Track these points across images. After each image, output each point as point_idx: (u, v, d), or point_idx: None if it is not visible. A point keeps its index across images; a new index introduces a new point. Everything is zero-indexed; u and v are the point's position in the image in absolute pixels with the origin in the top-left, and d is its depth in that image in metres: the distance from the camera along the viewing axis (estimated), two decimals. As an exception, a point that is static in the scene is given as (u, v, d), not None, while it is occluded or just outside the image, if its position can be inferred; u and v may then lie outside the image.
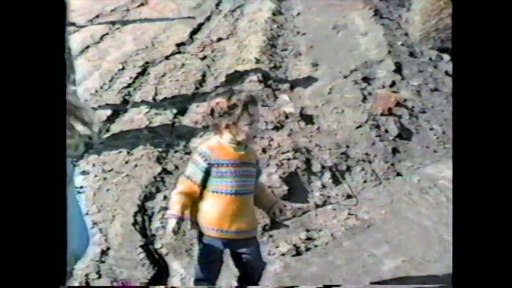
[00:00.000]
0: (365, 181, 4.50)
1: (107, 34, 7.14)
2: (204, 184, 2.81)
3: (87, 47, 6.64)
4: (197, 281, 2.96)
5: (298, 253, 3.72)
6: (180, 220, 2.78)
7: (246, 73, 5.86)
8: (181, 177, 2.95)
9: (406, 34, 7.08)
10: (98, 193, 3.96)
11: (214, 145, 2.85)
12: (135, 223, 3.70)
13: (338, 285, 3.33)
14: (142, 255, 3.41)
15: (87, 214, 3.78)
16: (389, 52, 6.43)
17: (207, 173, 2.80)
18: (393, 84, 5.81)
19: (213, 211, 2.81)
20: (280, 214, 3.07)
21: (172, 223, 2.78)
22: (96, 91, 5.59)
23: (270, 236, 3.87)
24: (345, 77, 5.90)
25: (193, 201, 2.83)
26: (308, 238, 3.86)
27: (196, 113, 5.15)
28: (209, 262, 2.89)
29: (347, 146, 4.78)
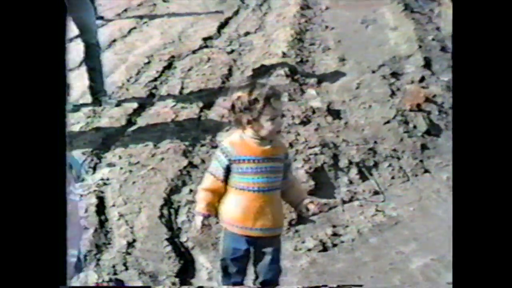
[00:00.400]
0: (392, 178, 4.43)
1: (134, 28, 7.15)
2: (226, 180, 2.75)
3: (114, 40, 6.66)
4: (224, 278, 2.92)
5: (325, 249, 3.69)
6: (207, 217, 2.77)
7: (273, 67, 5.82)
8: (206, 173, 2.90)
9: (438, 29, 6.95)
10: (124, 186, 3.97)
11: (236, 141, 2.75)
12: (161, 216, 3.70)
13: (360, 285, 3.27)
14: (168, 248, 3.41)
15: (113, 206, 3.79)
16: (420, 47, 6.32)
17: (228, 170, 2.73)
18: (422, 79, 5.70)
19: (237, 208, 2.75)
20: (307, 212, 2.92)
21: (198, 221, 2.76)
22: (123, 85, 5.61)
23: (296, 231, 3.84)
24: (373, 72, 5.81)
25: (219, 197, 2.78)
26: (335, 234, 3.82)
27: (222, 107, 5.12)
28: (235, 259, 2.83)
29: (375, 142, 4.71)
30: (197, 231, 2.85)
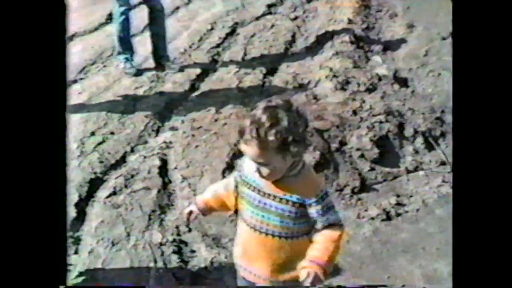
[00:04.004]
0: (461, 148, 4.26)
1: (197, -5, 7.13)
2: (237, 195, 2.20)
3: (178, 8, 6.66)
4: None
5: (388, 218, 3.60)
6: (198, 211, 2.30)
7: (337, 33, 5.69)
8: None
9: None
10: (187, 149, 3.99)
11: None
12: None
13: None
14: (230, 211, 3.40)
15: (175, 168, 3.82)
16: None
17: (236, 185, 2.20)
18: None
19: (238, 240, 2.26)
20: (305, 279, 2.03)
21: (188, 209, 2.32)
22: (185, 50, 5.62)
23: (359, 199, 3.77)
24: (443, 39, 5.58)
25: (221, 204, 2.29)
26: (398, 204, 3.72)
27: (286, 73, 5.06)
28: None
29: (442, 111, 4.54)
30: (183, 217, 2.37)
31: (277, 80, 4.97)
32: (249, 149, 1.93)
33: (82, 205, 3.48)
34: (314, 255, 2.04)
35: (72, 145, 4.07)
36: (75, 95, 4.84)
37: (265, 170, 1.98)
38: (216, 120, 4.31)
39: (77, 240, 3.17)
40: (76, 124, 4.35)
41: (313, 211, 2.05)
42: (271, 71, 5.13)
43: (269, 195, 2.06)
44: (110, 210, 3.43)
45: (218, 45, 5.69)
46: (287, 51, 5.52)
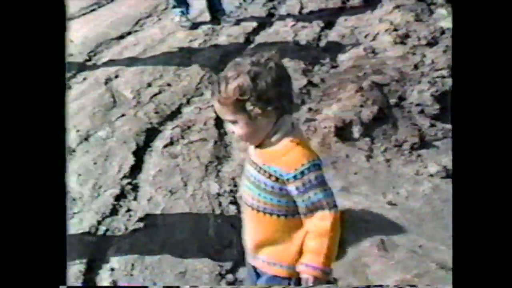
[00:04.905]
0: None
1: None
2: None
3: (233, -40, 6.55)
4: None
5: (448, 176, 3.49)
6: None
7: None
8: None
9: None
10: (244, 102, 3.95)
11: None
12: (280, 132, 3.66)
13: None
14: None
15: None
16: None
17: None
18: None
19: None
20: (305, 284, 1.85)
21: None
22: (241, 4, 5.55)
23: (419, 155, 3.66)
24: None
25: None
26: (460, 162, 3.60)
27: (344, 26, 4.93)
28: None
29: (508, 68, 4.34)
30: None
31: (334, 34, 4.85)
32: (214, 104, 1.80)
33: (140, 153, 3.51)
34: (308, 257, 1.79)
35: (128, 95, 4.11)
36: (130, 46, 4.86)
37: (233, 129, 1.80)
38: (272, 74, 4.25)
39: (136, 187, 3.21)
40: (131, 75, 4.38)
41: (292, 188, 1.75)
42: (328, 25, 5.01)
43: (253, 163, 1.84)
44: (168, 159, 3.45)
45: (273, -1, 5.59)
46: (345, 4, 5.36)
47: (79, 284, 2.57)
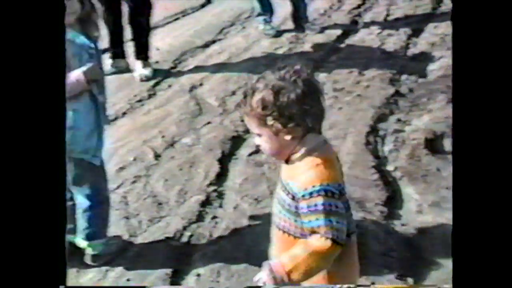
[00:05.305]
0: None
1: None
2: None
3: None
4: None
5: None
6: None
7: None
8: None
9: None
10: (330, 111, 3.87)
11: None
12: (367, 143, 3.56)
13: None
14: (376, 176, 3.26)
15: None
16: None
17: None
18: None
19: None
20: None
21: None
22: (325, 11, 5.49)
23: None
24: None
25: None
26: None
27: (433, 34, 4.77)
28: None
29: None
30: None
31: (422, 41, 4.70)
32: (243, 115, 1.77)
33: (225, 161, 3.50)
34: (280, 260, 1.71)
35: (213, 103, 4.12)
36: (215, 54, 4.90)
37: (258, 140, 1.75)
38: (358, 82, 4.16)
39: (221, 195, 3.20)
40: (216, 83, 4.40)
41: (299, 206, 1.68)
42: (416, 32, 4.85)
43: (281, 179, 1.78)
44: (253, 168, 3.42)
45: (359, 6, 5.49)
46: (434, 11, 5.19)
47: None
